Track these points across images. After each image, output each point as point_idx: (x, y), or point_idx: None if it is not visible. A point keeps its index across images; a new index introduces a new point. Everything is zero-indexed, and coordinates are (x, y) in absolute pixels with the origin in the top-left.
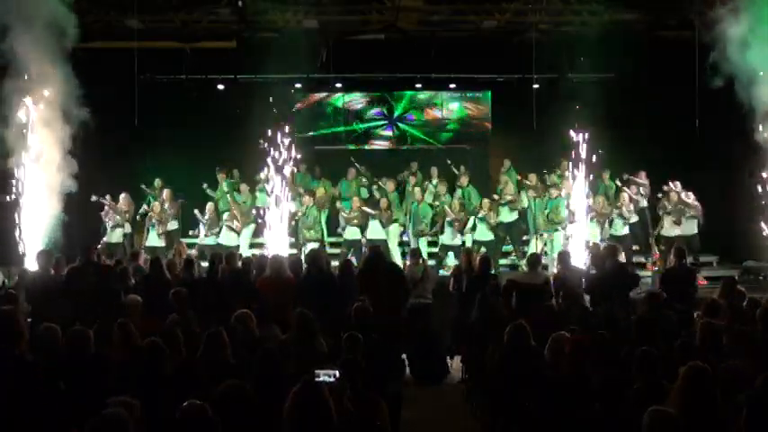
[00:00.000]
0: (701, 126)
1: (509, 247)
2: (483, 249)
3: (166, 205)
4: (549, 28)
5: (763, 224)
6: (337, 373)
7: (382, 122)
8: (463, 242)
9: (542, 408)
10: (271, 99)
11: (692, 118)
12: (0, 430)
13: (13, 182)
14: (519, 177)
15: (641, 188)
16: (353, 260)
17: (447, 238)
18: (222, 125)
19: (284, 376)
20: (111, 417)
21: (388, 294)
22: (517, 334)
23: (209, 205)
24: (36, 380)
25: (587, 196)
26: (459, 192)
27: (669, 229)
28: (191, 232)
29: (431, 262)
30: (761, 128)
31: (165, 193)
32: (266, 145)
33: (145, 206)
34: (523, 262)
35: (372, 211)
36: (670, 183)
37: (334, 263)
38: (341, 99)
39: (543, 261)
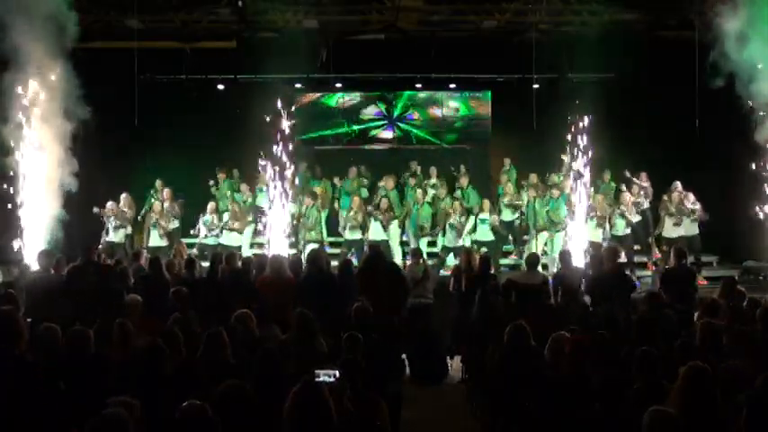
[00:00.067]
0: (701, 126)
1: (510, 247)
2: (483, 249)
3: (167, 204)
4: (549, 28)
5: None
6: (337, 373)
7: (382, 123)
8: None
9: (542, 408)
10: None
11: (692, 118)
12: (0, 430)
13: (12, 174)
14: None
15: (642, 189)
16: (353, 260)
17: (449, 239)
18: (222, 125)
19: (284, 376)
20: (111, 417)
21: (388, 294)
22: (517, 334)
23: (210, 205)
24: (36, 380)
25: (588, 196)
26: (458, 193)
27: (670, 230)
28: (191, 231)
29: (430, 262)
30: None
31: (166, 192)
32: (270, 148)
33: (146, 207)
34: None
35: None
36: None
37: (335, 263)
38: (333, 98)
39: (543, 261)
